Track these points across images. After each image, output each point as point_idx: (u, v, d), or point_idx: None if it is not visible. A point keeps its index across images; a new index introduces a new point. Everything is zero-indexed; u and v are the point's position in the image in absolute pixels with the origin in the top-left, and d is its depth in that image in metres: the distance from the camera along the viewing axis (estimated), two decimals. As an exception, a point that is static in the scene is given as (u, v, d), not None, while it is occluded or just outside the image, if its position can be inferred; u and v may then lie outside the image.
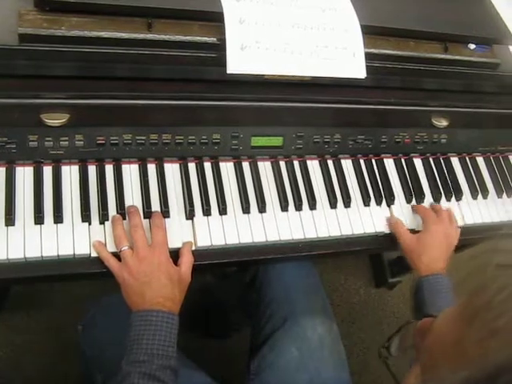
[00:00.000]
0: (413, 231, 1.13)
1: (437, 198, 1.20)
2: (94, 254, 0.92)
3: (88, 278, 0.91)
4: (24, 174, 0.95)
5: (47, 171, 0.96)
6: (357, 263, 2.16)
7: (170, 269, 0.92)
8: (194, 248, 0.98)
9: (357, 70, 1.01)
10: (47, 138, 0.93)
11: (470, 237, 1.23)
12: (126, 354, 0.85)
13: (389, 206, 1.16)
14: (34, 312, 1.66)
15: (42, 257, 0.90)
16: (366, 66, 1.02)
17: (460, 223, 1.19)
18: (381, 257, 2.13)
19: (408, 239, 1.10)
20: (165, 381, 0.83)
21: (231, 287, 1.65)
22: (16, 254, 0.88)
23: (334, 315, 1.21)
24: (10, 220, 0.90)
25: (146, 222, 0.97)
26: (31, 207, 0.92)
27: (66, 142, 0.95)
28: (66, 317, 1.62)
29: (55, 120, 0.91)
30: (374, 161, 1.19)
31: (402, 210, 1.16)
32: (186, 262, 0.95)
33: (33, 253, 0.89)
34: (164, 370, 0.83)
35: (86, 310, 1.14)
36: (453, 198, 1.22)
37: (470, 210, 1.23)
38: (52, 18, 0.86)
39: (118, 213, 0.96)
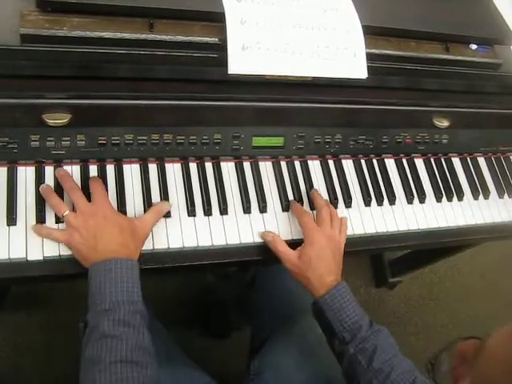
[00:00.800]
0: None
1: (438, 199, 1.20)
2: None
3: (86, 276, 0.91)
4: (26, 174, 0.95)
5: (49, 171, 0.96)
6: (357, 263, 2.16)
7: (118, 218, 0.90)
8: (195, 245, 0.98)
9: (358, 70, 1.01)
10: (49, 138, 0.93)
11: (472, 237, 1.24)
12: (90, 308, 0.83)
13: (390, 205, 1.16)
14: (34, 311, 1.67)
15: (43, 256, 0.90)
16: (367, 67, 1.02)
17: (460, 224, 1.20)
18: (381, 257, 2.14)
19: (291, 259, 0.99)
20: (135, 325, 0.80)
21: (232, 287, 1.66)
22: (18, 253, 0.88)
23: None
24: (11, 220, 0.90)
25: (147, 221, 0.97)
26: (33, 207, 0.92)
27: (68, 142, 0.95)
28: (66, 316, 1.61)
29: (57, 120, 0.91)
30: (375, 161, 1.19)
31: (403, 211, 1.16)
32: (150, 215, 0.95)
33: (34, 252, 0.89)
34: (133, 315, 0.81)
35: (86, 308, 1.14)
36: (454, 198, 1.22)
37: (472, 211, 1.23)
38: (54, 18, 0.86)
39: (118, 210, 0.96)
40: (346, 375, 0.96)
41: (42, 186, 0.93)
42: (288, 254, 0.99)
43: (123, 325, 0.79)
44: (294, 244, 1.02)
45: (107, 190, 0.97)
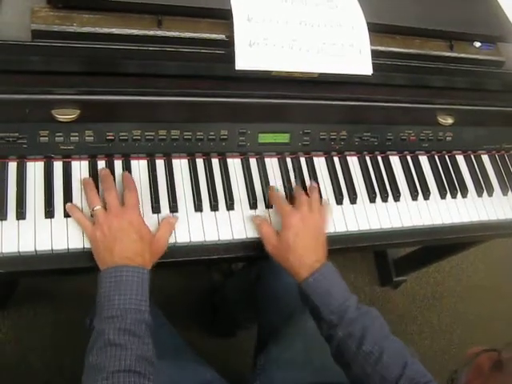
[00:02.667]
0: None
1: (442, 195, 1.21)
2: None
3: (96, 270, 0.92)
4: (35, 169, 0.96)
5: (57, 166, 0.97)
6: (362, 262, 2.17)
7: (141, 228, 0.92)
8: (202, 240, 0.99)
9: (363, 66, 1.02)
10: (58, 134, 0.94)
11: (476, 234, 1.24)
12: (97, 312, 0.84)
13: (395, 202, 1.17)
14: (40, 307, 1.68)
15: (52, 250, 0.91)
16: (372, 64, 1.03)
17: (465, 220, 1.21)
18: (386, 256, 2.14)
19: (271, 241, 0.99)
20: (140, 335, 0.81)
21: (237, 285, 1.66)
22: (27, 247, 0.90)
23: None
24: (20, 214, 0.91)
25: (155, 216, 0.99)
26: (41, 201, 0.94)
27: (76, 138, 0.96)
28: (73, 312, 1.62)
29: (66, 116, 0.92)
30: (379, 158, 1.20)
31: (407, 207, 1.17)
32: (163, 228, 0.96)
33: (43, 246, 0.91)
34: (139, 325, 0.82)
35: (93, 304, 1.14)
36: (458, 195, 1.23)
37: (476, 208, 1.23)
38: (64, 14, 0.87)
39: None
40: (335, 359, 0.94)
41: (84, 178, 0.96)
42: (269, 237, 0.99)
43: (128, 334, 0.80)
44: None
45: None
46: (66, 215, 0.94)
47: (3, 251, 0.89)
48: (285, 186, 1.09)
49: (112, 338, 0.79)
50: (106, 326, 0.80)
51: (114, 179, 0.98)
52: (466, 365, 0.77)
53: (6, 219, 0.91)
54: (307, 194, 1.06)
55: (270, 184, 1.08)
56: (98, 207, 0.91)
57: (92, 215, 0.92)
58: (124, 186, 0.96)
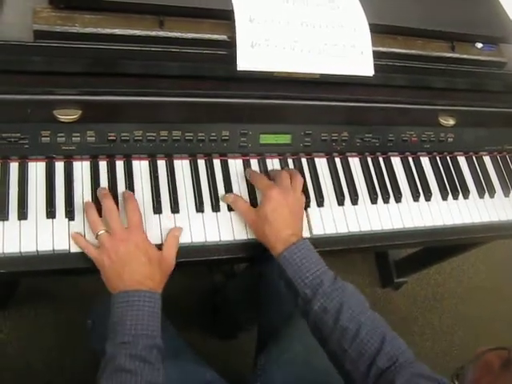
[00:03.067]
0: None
1: (444, 196, 1.21)
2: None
3: (98, 271, 0.92)
4: (36, 169, 0.96)
5: (59, 167, 0.98)
6: (363, 263, 2.17)
7: (148, 249, 0.91)
8: (203, 241, 1.00)
9: (365, 67, 1.02)
10: (59, 134, 0.95)
11: (477, 235, 1.25)
12: (110, 337, 0.84)
13: (396, 203, 1.17)
14: (41, 308, 1.68)
15: (53, 250, 0.91)
16: (374, 65, 1.03)
17: (466, 222, 1.20)
18: (387, 257, 2.14)
19: (249, 214, 1.00)
20: (151, 361, 0.81)
21: (239, 285, 1.66)
22: (28, 247, 0.90)
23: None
24: (22, 214, 0.91)
25: (156, 217, 0.99)
26: (43, 202, 0.94)
27: (78, 138, 0.96)
28: (74, 312, 1.63)
29: (67, 116, 0.92)
30: (381, 159, 1.20)
31: (409, 209, 1.17)
32: (170, 245, 0.95)
33: (44, 246, 0.91)
34: (150, 350, 0.82)
35: (94, 304, 1.14)
36: (460, 197, 1.23)
37: (477, 209, 1.23)
38: (66, 15, 0.87)
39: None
40: (313, 334, 0.94)
41: (86, 201, 0.95)
42: (246, 211, 1.00)
43: (139, 360, 0.80)
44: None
45: (116, 187, 0.99)
46: (68, 216, 0.94)
47: (5, 251, 0.89)
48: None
49: (123, 364, 0.80)
50: (118, 352, 0.81)
51: (116, 180, 0.99)
52: (473, 361, 0.77)
53: (7, 219, 0.91)
54: None
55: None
56: (102, 231, 0.91)
57: (96, 238, 0.92)
58: (126, 207, 0.95)
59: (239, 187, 1.07)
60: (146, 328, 0.84)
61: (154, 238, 0.96)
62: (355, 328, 0.86)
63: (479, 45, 1.16)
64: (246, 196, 1.05)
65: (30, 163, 0.96)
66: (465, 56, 1.14)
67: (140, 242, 0.91)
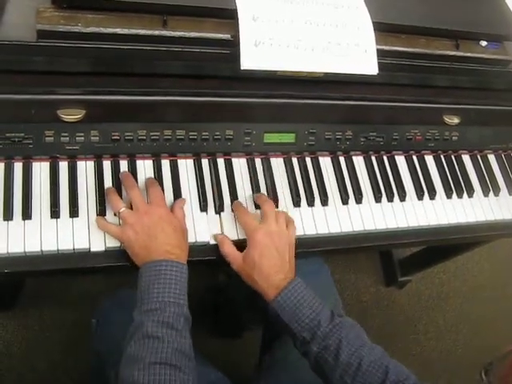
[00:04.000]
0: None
1: (448, 195, 1.20)
2: (110, 246, 0.93)
3: (103, 271, 0.92)
4: (40, 169, 0.96)
5: (63, 166, 0.98)
6: (367, 262, 2.16)
7: (172, 219, 0.93)
8: (207, 240, 1.00)
9: (369, 66, 1.02)
10: (63, 134, 0.95)
11: (482, 234, 1.24)
12: (137, 305, 0.85)
13: (401, 202, 1.16)
14: (47, 308, 1.68)
15: (57, 250, 0.91)
16: (378, 63, 1.02)
17: (471, 220, 1.20)
18: (391, 256, 2.13)
19: (237, 261, 0.96)
20: (178, 328, 0.82)
21: (242, 285, 1.66)
22: (32, 247, 0.90)
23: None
24: (26, 214, 0.91)
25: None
26: (47, 202, 0.94)
27: (82, 138, 0.96)
28: (78, 312, 1.63)
29: (71, 116, 0.92)
30: (385, 158, 1.20)
31: (413, 207, 1.16)
32: (180, 214, 0.96)
33: (49, 246, 0.91)
34: (177, 318, 0.83)
35: (99, 304, 1.14)
36: (464, 195, 1.22)
37: (482, 208, 1.23)
38: (69, 14, 0.87)
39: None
40: (316, 373, 0.92)
41: (108, 188, 0.97)
42: (234, 257, 0.97)
43: (166, 327, 0.81)
44: (306, 239, 1.03)
45: (120, 186, 0.98)
46: (72, 215, 0.94)
47: (9, 251, 0.89)
48: (290, 187, 1.09)
49: (150, 331, 0.80)
50: (145, 319, 0.81)
51: (120, 186, 0.99)
52: (501, 359, 0.76)
53: (12, 219, 0.91)
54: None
55: (275, 183, 1.08)
56: (123, 209, 0.92)
57: (119, 217, 0.93)
58: (146, 185, 0.98)
59: (243, 186, 1.06)
60: (174, 296, 0.84)
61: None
62: (357, 362, 0.85)
63: (483, 43, 1.15)
64: (249, 195, 1.05)
65: (34, 163, 0.96)
66: (469, 54, 1.14)
67: (163, 213, 0.92)
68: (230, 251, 0.97)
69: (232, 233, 1.01)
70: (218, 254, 0.99)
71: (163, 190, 1.00)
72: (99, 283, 0.86)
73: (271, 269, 0.93)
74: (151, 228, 0.89)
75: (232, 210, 1.03)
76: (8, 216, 0.90)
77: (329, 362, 0.87)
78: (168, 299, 0.83)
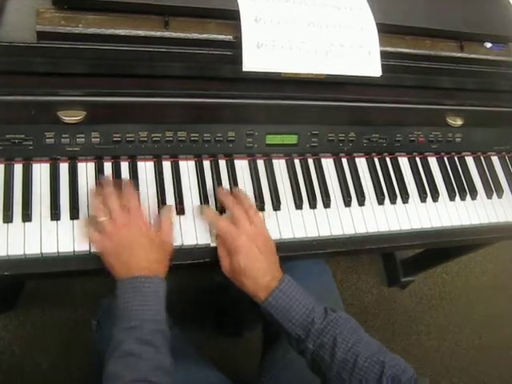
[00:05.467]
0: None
1: (451, 197, 1.20)
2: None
3: (102, 273, 0.91)
4: (41, 171, 0.96)
5: (63, 168, 0.97)
6: (369, 262, 2.16)
7: (150, 232, 0.92)
8: (208, 242, 0.99)
9: (372, 68, 1.01)
10: (64, 135, 0.94)
11: (486, 236, 1.23)
12: (116, 323, 0.84)
13: (403, 204, 1.16)
14: (48, 308, 1.68)
15: (58, 252, 0.90)
16: (382, 65, 1.02)
17: (474, 222, 1.19)
18: (393, 256, 2.13)
19: (225, 267, 0.96)
20: (157, 345, 0.82)
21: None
22: (32, 249, 0.89)
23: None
24: (27, 216, 0.91)
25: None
26: (48, 203, 0.93)
27: (83, 139, 0.95)
28: (80, 312, 1.63)
29: (72, 117, 0.91)
30: (388, 159, 1.19)
31: (416, 209, 1.16)
32: (166, 226, 0.95)
33: (49, 249, 0.90)
34: (155, 335, 0.83)
35: (100, 305, 1.14)
36: (468, 197, 1.22)
37: (485, 210, 1.22)
38: (69, 15, 0.86)
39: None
40: (313, 371, 0.92)
41: (91, 189, 0.96)
42: (223, 263, 0.96)
43: (145, 344, 0.81)
44: (307, 242, 1.02)
45: (121, 188, 0.98)
46: (73, 217, 0.93)
47: (9, 253, 0.88)
48: (293, 189, 1.08)
49: (128, 349, 0.80)
50: (125, 336, 0.82)
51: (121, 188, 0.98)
52: None
53: (11, 221, 0.90)
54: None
55: (277, 185, 1.07)
56: (104, 218, 0.91)
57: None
58: (123, 192, 0.95)
59: (245, 188, 1.06)
60: (151, 313, 0.84)
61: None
62: (353, 359, 0.85)
63: (488, 44, 1.14)
64: (252, 198, 1.04)
65: (34, 164, 0.96)
66: (473, 56, 1.13)
67: (142, 224, 0.91)
68: (220, 256, 0.97)
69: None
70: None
71: (164, 192, 1.00)
72: (101, 283, 0.86)
73: (258, 272, 0.93)
74: (129, 241, 0.89)
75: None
76: (8, 218, 0.90)
77: (325, 360, 0.87)
78: (147, 316, 0.84)
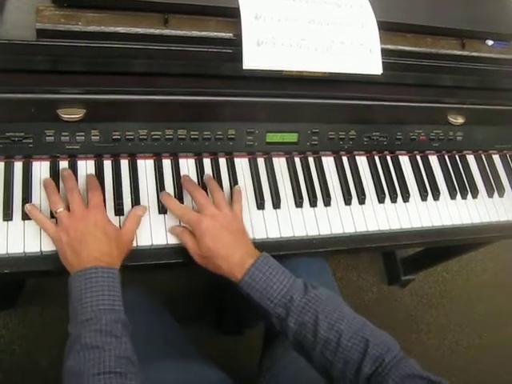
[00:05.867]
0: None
1: (452, 196, 1.19)
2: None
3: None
4: (40, 169, 0.96)
5: (63, 166, 0.97)
6: (370, 261, 2.16)
7: (106, 226, 0.90)
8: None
9: (373, 66, 1.01)
10: (64, 133, 0.94)
11: (486, 235, 1.23)
12: (71, 318, 0.81)
13: (404, 203, 1.15)
14: (47, 305, 1.68)
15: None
16: (383, 63, 1.01)
17: (475, 221, 1.19)
18: (394, 254, 2.13)
19: (195, 251, 0.94)
20: (118, 335, 0.79)
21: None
22: (32, 247, 0.89)
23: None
24: (26, 214, 0.91)
25: (161, 217, 0.98)
26: (47, 201, 0.93)
27: (82, 137, 0.95)
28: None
29: (72, 115, 0.91)
30: (388, 158, 1.19)
31: (416, 208, 1.16)
32: (130, 221, 0.94)
33: (48, 246, 0.90)
34: (114, 324, 0.79)
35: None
36: (469, 196, 1.21)
37: (486, 208, 1.22)
38: (69, 13, 0.86)
39: (132, 206, 0.97)
40: (296, 350, 0.90)
41: (45, 179, 0.94)
42: (191, 248, 0.94)
43: (105, 334, 0.78)
44: (308, 240, 1.02)
45: (121, 186, 0.98)
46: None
47: (9, 251, 0.88)
48: (293, 188, 1.08)
49: (89, 342, 0.77)
50: (82, 330, 0.78)
51: (121, 179, 0.98)
52: None
53: (11, 219, 0.90)
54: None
55: (278, 183, 1.07)
56: (61, 209, 0.89)
57: (55, 217, 0.90)
58: (87, 186, 0.94)
59: (245, 186, 1.05)
60: (108, 303, 0.81)
61: (161, 238, 0.96)
62: (336, 337, 0.83)
63: (490, 42, 1.14)
64: (251, 196, 1.04)
65: (34, 163, 0.96)
66: (475, 53, 1.12)
67: (99, 219, 0.89)
68: (188, 242, 0.95)
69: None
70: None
71: (164, 190, 0.99)
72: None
73: (228, 249, 0.91)
74: (84, 234, 0.87)
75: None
76: (8, 216, 0.90)
77: (308, 339, 0.85)
78: (103, 306, 0.80)
